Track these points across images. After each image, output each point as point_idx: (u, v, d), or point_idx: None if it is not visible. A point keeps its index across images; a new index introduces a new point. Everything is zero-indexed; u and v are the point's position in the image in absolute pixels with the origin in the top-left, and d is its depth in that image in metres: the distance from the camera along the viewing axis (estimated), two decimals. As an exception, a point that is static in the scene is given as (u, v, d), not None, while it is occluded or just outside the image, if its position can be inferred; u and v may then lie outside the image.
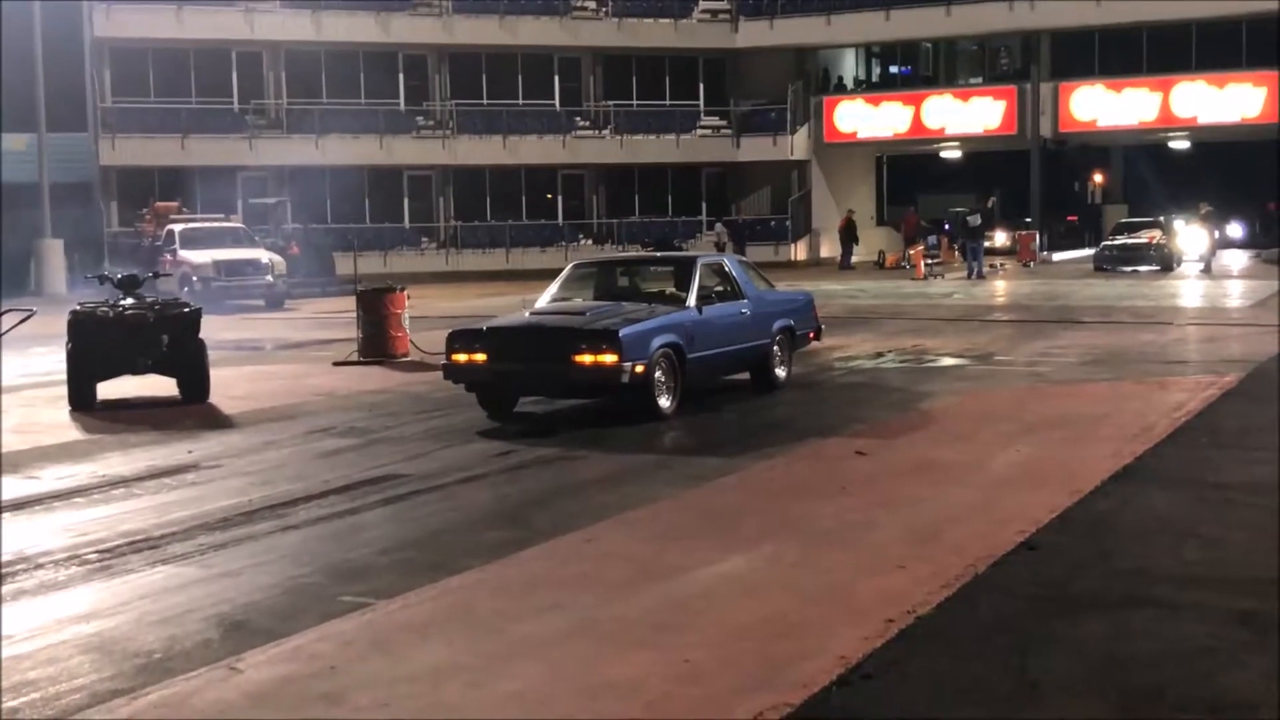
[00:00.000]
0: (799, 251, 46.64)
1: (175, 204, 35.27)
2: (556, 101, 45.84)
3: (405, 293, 18.44)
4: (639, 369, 11.87)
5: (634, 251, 39.62)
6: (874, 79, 49.53)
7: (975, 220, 36.63)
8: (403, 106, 44.14)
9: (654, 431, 11.91)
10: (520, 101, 45.21)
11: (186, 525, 8.58)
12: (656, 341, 12.15)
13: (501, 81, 45.07)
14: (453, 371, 12.67)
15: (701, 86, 47.35)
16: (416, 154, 43.50)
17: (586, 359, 11.89)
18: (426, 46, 43.97)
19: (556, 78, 45.95)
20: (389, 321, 18.08)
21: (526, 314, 13.27)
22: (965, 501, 8.72)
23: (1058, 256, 44.17)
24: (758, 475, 9.89)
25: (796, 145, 46.46)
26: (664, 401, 12.30)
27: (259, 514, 8.90)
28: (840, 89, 48.33)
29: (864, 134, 46.85)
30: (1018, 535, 7.66)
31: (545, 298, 13.74)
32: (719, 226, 43.75)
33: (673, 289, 13.54)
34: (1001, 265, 39.43)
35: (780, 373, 14.22)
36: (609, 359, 11.79)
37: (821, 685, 5.37)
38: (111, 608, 6.79)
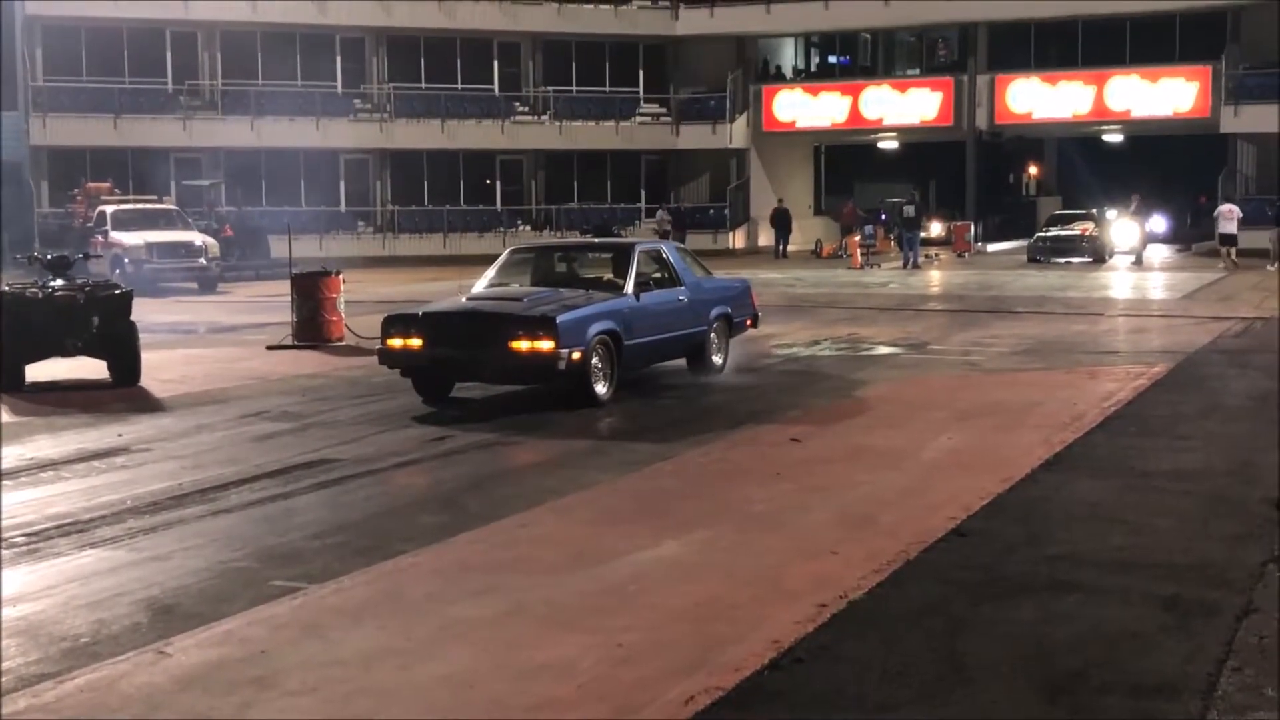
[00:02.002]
0: (737, 240, 46.75)
1: (107, 185, 34.75)
2: (495, 86, 45.61)
3: (341, 277, 18.31)
4: (576, 356, 11.81)
5: (574, 237, 39.57)
6: (813, 69, 49.69)
7: (911, 210, 36.87)
8: (340, 89, 43.74)
9: (590, 418, 11.90)
10: (459, 86, 44.94)
11: (116, 509, 8.49)
12: (594, 328, 12.10)
13: (440, 65, 44.78)
14: (388, 357, 12.57)
15: (641, 73, 47.29)
16: (353, 137, 43.14)
17: (523, 345, 11.82)
18: (364, 29, 43.59)
19: (496, 62, 45.71)
20: (324, 305, 17.94)
21: (463, 299, 13.20)
22: (898, 487, 8.80)
23: (992, 247, 44.57)
24: (692, 461, 9.92)
25: (735, 134, 46.53)
26: (600, 388, 12.26)
27: (190, 498, 8.81)
28: (779, 78, 48.45)
29: (802, 123, 46.99)
30: (949, 521, 7.74)
31: (482, 283, 13.67)
32: (662, 214, 43.76)
33: (611, 276, 13.48)
34: (937, 256, 39.75)
35: (717, 359, 14.22)
36: (546, 346, 11.73)
37: (754, 668, 5.41)
38: (38, 591, 6.71)
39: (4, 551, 7.50)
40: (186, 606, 6.41)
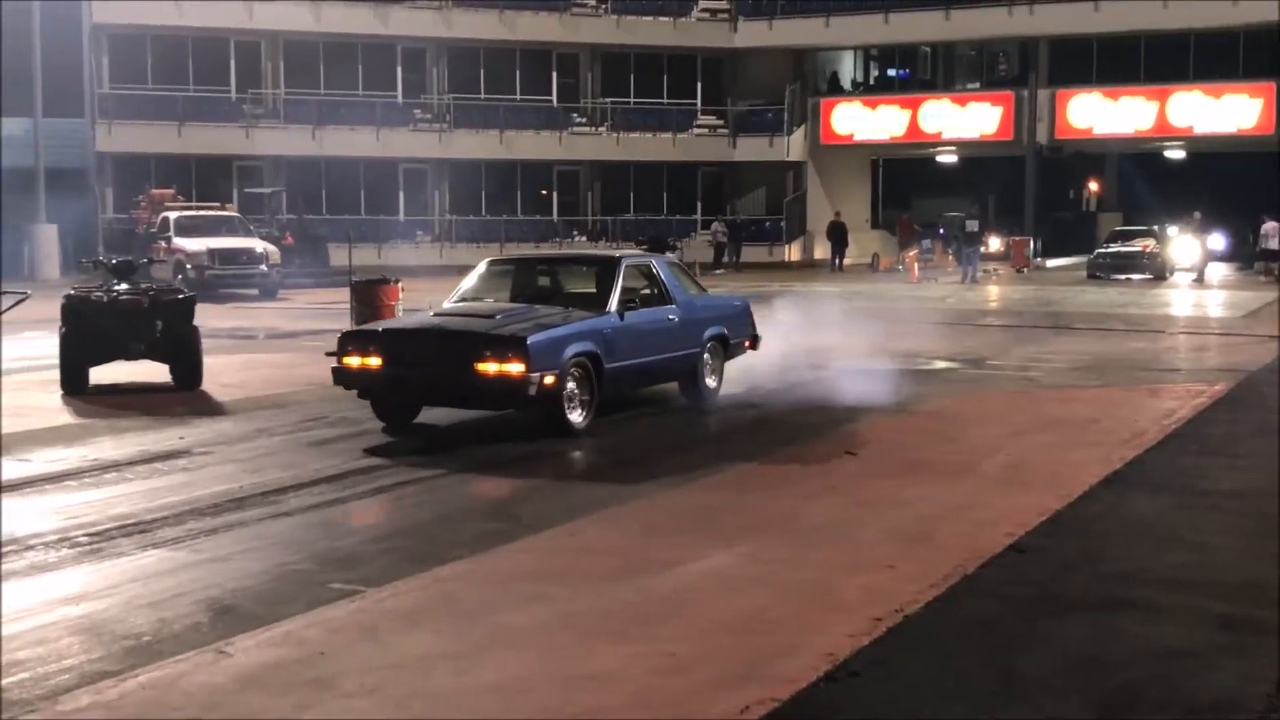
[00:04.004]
0: (793, 252, 46.69)
1: (171, 191, 35.22)
2: (554, 97, 45.83)
3: (399, 285, 18.45)
4: (549, 380, 10.86)
5: (629, 247, 39.64)
6: (871, 82, 49.58)
7: (973, 225, 36.69)
8: (400, 99, 44.11)
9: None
10: (517, 96, 45.18)
11: (177, 510, 8.60)
12: (570, 350, 11.16)
13: (499, 76, 45.05)
14: (344, 377, 11.60)
15: (699, 85, 47.36)
16: (413, 147, 43.47)
17: (490, 367, 10.85)
18: (425, 39, 43.95)
19: (554, 73, 45.93)
20: (382, 313, 18.05)
21: (429, 315, 12.31)
22: (954, 502, 8.76)
23: (1051, 263, 44.25)
24: (744, 473, 9.91)
25: (793, 146, 46.49)
26: (576, 416, 11.30)
27: (249, 500, 8.92)
28: (838, 91, 48.38)
29: (860, 136, 46.89)
30: (1005, 537, 7.70)
31: (454, 297, 12.77)
32: (717, 226, 43.77)
33: (594, 292, 12.46)
34: (995, 271, 39.51)
35: (711, 383, 13.29)
36: (515, 368, 10.76)
37: (808, 681, 5.41)
38: (101, 590, 6.82)
39: (68, 550, 7.63)
40: (246, 607, 6.49)
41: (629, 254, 14.09)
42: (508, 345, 10.86)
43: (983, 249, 38.62)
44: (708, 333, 13.23)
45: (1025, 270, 40.48)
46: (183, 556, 7.49)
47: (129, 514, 8.51)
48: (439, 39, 43.98)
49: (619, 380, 12.00)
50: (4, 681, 5.46)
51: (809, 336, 16.87)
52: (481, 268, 13.24)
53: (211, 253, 29.33)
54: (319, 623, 6.22)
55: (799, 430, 11.74)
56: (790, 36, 46.18)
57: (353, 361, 11.47)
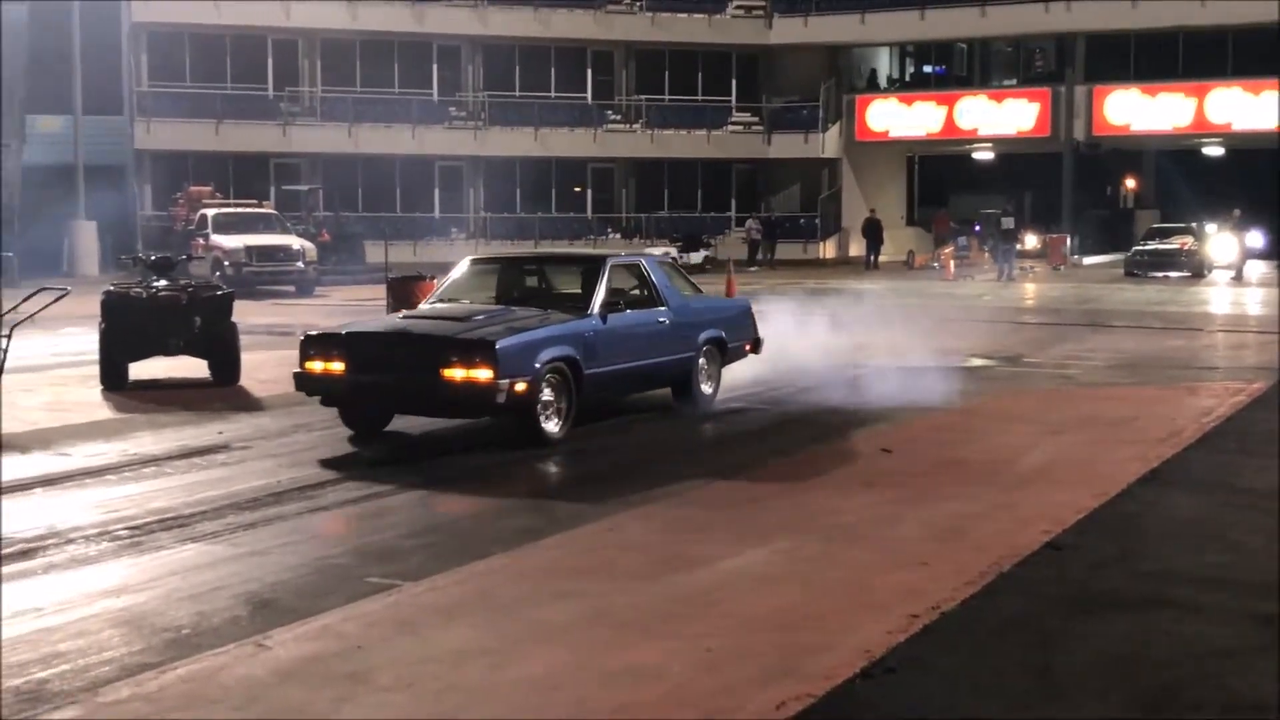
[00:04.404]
0: (828, 250, 46.59)
1: (209, 188, 35.46)
2: (588, 94, 45.89)
3: (434, 281, 18.50)
4: (520, 387, 10.24)
5: (661, 246, 39.66)
6: (907, 78, 49.41)
7: (1009, 222, 36.51)
8: (435, 97, 44.26)
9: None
10: (552, 94, 45.26)
11: (216, 504, 8.67)
12: (545, 355, 10.55)
13: (534, 73, 45.15)
14: (306, 382, 11.01)
15: (734, 82, 47.31)
16: (448, 144, 43.62)
17: (457, 374, 10.25)
18: (460, 37, 44.08)
19: (589, 70, 46.00)
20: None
21: (398, 317, 11.85)
22: (990, 500, 8.73)
23: (1088, 260, 43.98)
24: (780, 470, 9.91)
25: (828, 143, 46.39)
26: (551, 425, 10.68)
27: (288, 495, 8.98)
28: (873, 87, 48.24)
29: (896, 133, 46.74)
30: (1042, 535, 7.68)
31: (433, 297, 12.39)
32: (752, 223, 43.72)
33: (578, 293, 11.89)
34: (1032, 268, 39.31)
35: (707, 389, 12.74)
36: (483, 375, 10.16)
37: (844, 677, 5.40)
38: (141, 583, 6.88)
39: (108, 543, 7.70)
40: (284, 601, 6.54)
41: (616, 254, 13.36)
42: (475, 350, 10.26)
43: (1019, 246, 38.44)
44: (703, 336, 12.65)
45: (1062, 268, 40.26)
46: (221, 550, 7.55)
47: (168, 508, 8.58)
48: (474, 37, 44.10)
49: (602, 386, 11.42)
50: (46, 673, 5.52)
51: (843, 334, 16.85)
52: (464, 266, 12.71)
53: (249, 249, 29.50)
54: (356, 617, 6.26)
55: (833, 428, 11.71)
56: (825, 33, 46.08)
57: (315, 366, 10.89)
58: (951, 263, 37.33)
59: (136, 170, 41.12)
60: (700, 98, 46.68)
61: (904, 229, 48.16)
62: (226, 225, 30.50)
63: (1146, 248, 37.31)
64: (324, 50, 43.22)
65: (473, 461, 10.27)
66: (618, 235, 45.28)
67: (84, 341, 15.95)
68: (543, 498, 9.15)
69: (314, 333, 11.30)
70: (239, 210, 32.31)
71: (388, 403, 11.14)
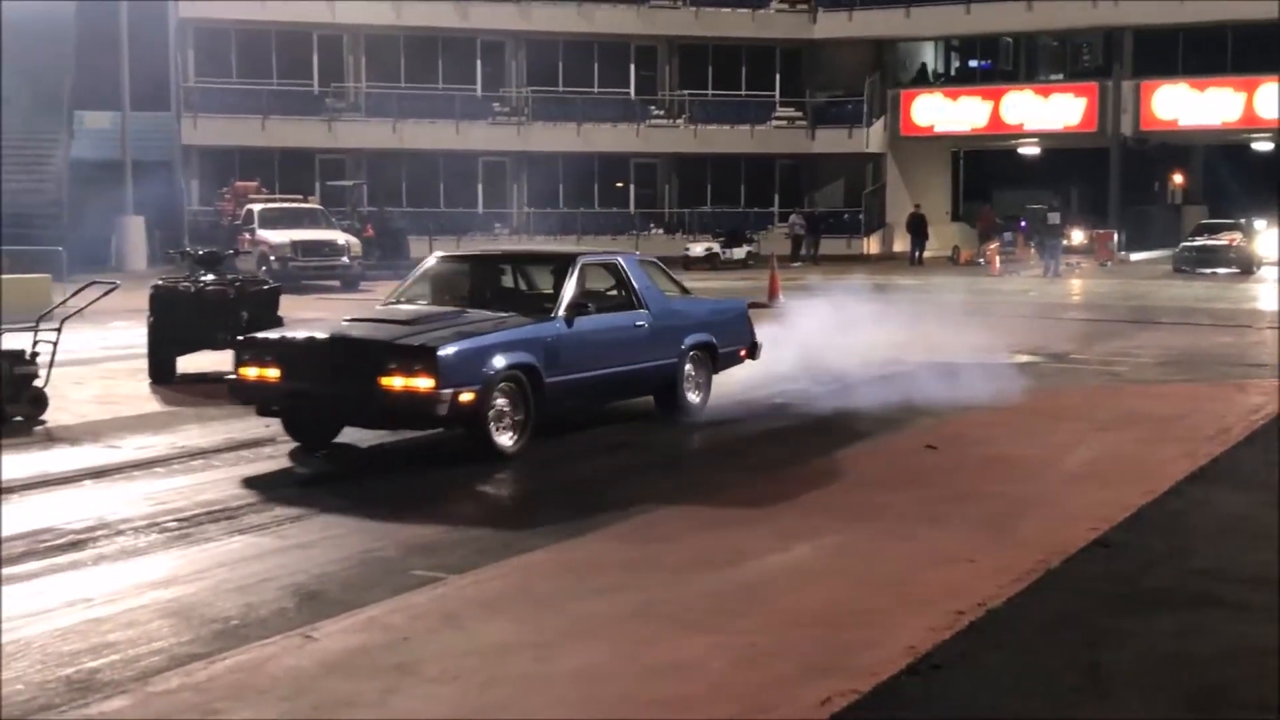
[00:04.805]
0: (872, 245, 46.40)
1: (255, 184, 35.69)
2: (631, 90, 45.89)
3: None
4: (466, 397, 9.46)
5: (704, 242, 39.63)
6: (952, 73, 49.13)
7: (1055, 218, 36.25)
8: (479, 92, 44.38)
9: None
10: (595, 89, 45.30)
11: (263, 497, 8.74)
12: (498, 361, 9.73)
13: (577, 69, 45.18)
14: (240, 390, 10.28)
15: (778, 77, 47.18)
16: (491, 140, 43.73)
17: (396, 382, 9.45)
18: (504, 33, 44.17)
19: (633, 66, 46.00)
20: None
21: (342, 320, 10.93)
22: (1036, 497, 8.69)
23: (1135, 256, 43.61)
24: (824, 466, 9.88)
25: (872, 138, 46.21)
26: (505, 439, 9.83)
27: (333, 487, 9.03)
28: (918, 82, 47.99)
29: (941, 128, 46.49)
30: (1090, 532, 7.62)
31: (392, 296, 11.68)
32: (795, 218, 43.59)
33: (546, 294, 11.18)
34: (1078, 264, 39.02)
35: (694, 398, 11.91)
36: (423, 384, 9.37)
37: (890, 673, 5.39)
38: (190, 575, 6.95)
39: (157, 535, 7.78)
40: (331, 593, 6.59)
41: (591, 253, 12.37)
42: (415, 357, 9.47)
43: (1065, 242, 38.15)
44: (689, 341, 11.83)
45: (1109, 264, 39.93)
46: (269, 542, 7.61)
47: (216, 500, 8.66)
48: (518, 32, 44.18)
49: (566, 396, 10.57)
50: (97, 663, 5.58)
51: (887, 330, 16.75)
52: (429, 263, 11.96)
53: (294, 244, 29.65)
54: (402, 609, 6.30)
55: (877, 424, 11.66)
56: (870, 27, 45.89)
57: (250, 373, 10.08)
58: (997, 258, 37.10)
59: (184, 165, 41.44)
60: (744, 93, 46.58)
61: (949, 224, 47.88)
62: (272, 220, 30.66)
63: (1194, 244, 36.95)
64: (368, 46, 43.42)
65: (515, 451, 10.24)
66: (660, 231, 45.26)
67: (133, 335, 16.09)
68: (583, 489, 9.14)
69: (250, 336, 10.58)
70: (285, 205, 32.47)
71: (323, 413, 10.26)
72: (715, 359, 12.26)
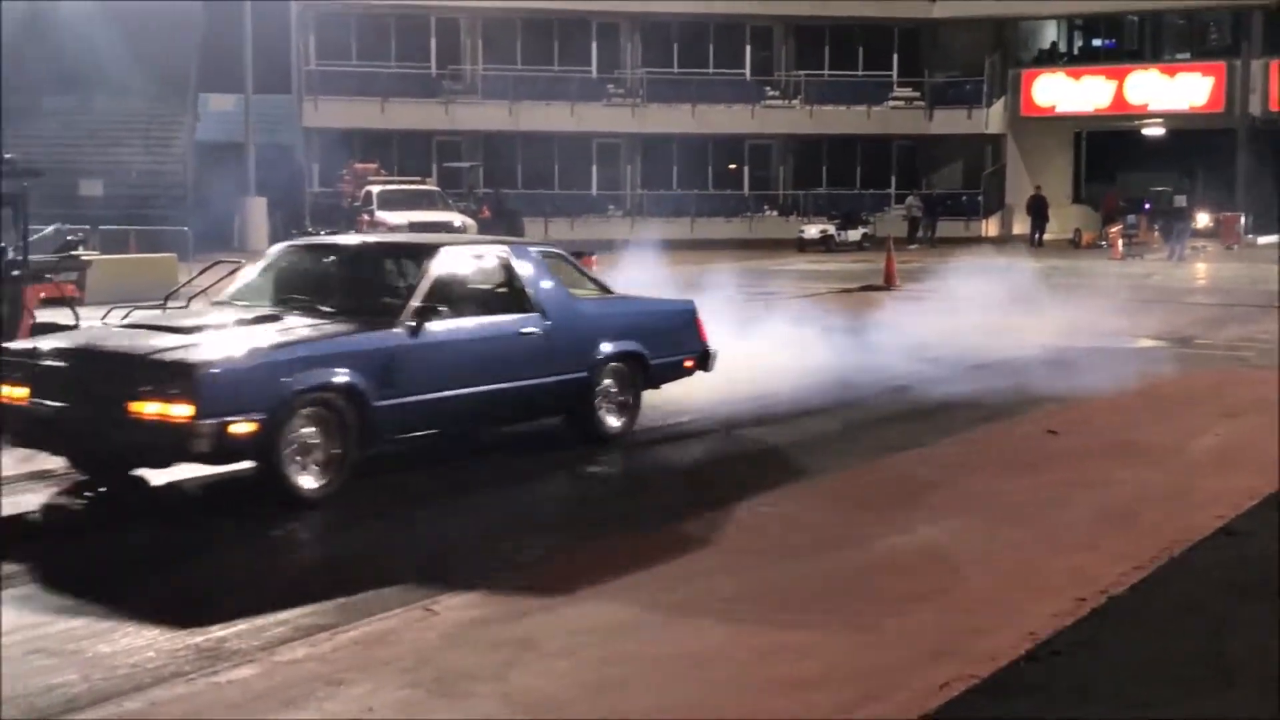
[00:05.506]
0: (990, 227, 45.75)
1: (373, 165, 36.21)
2: (747, 71, 45.71)
3: (594, 257, 18.64)
4: (241, 429, 7.41)
5: (819, 224, 39.36)
6: (1075, 52, 48.19)
7: (1181, 200, 35.43)
8: (595, 74, 44.51)
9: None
10: (710, 70, 45.19)
11: (385, 472, 8.87)
12: (299, 381, 7.68)
13: (692, 50, 45.09)
14: None
15: (895, 57, 46.67)
16: (606, 121, 43.83)
17: (149, 408, 7.37)
18: (620, 14, 44.22)
19: (748, 47, 45.80)
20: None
21: (118, 322, 9.06)
22: (1160, 483, 8.53)
23: (1263, 240, 42.43)
24: (947, 450, 9.79)
25: (992, 119, 45.52)
26: (308, 480, 7.76)
27: (450, 463, 9.14)
28: (1039, 62, 47.14)
29: (1062, 108, 45.63)
30: (1215, 519, 7.47)
31: (222, 295, 9.61)
32: (912, 200, 43.11)
33: (395, 293, 8.94)
34: (1203, 247, 38.10)
35: (612, 420, 9.76)
36: (179, 411, 7.30)
37: (1009, 659, 5.33)
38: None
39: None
40: (452, 567, 6.68)
41: (458, 241, 10.45)
42: (171, 375, 7.42)
43: (1191, 225, 37.27)
44: (605, 350, 9.67)
45: (1235, 247, 38.91)
46: (383, 524, 7.77)
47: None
48: (633, 14, 44.20)
49: (407, 422, 8.44)
50: (225, 632, 5.73)
51: (1009, 314, 16.51)
52: (273, 253, 9.89)
53: (413, 225, 30.01)
54: (522, 584, 6.37)
55: (998, 409, 11.47)
56: (991, 6, 45.15)
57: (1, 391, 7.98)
58: (1120, 241, 36.35)
59: (304, 147, 42.14)
60: (860, 73, 46.16)
61: (1070, 207, 46.97)
62: (391, 202, 31.09)
63: (1326, 227, 35.89)
64: (485, 29, 43.75)
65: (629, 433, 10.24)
66: (775, 213, 45.07)
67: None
68: (700, 471, 9.13)
69: (5, 346, 8.56)
70: (403, 187, 32.92)
71: (70, 445, 8.09)
72: (646, 372, 10.03)
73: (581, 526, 7.66)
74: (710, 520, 7.68)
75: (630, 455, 9.66)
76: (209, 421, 7.29)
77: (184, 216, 30.97)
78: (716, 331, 11.11)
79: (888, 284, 23.45)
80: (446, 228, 30.29)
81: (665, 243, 21.98)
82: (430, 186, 34.07)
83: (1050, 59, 47.28)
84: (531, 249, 9.95)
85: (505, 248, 9.67)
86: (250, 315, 8.47)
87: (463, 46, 43.78)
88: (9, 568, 6.55)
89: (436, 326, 8.53)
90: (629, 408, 9.93)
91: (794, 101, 45.39)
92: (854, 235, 38.84)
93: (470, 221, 31.23)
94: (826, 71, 45.81)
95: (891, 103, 46.02)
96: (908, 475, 8.90)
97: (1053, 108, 45.66)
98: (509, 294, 9.39)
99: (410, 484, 8.60)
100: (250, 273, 9.71)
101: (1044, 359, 14.08)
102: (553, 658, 5.41)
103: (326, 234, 15.58)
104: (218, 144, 37.52)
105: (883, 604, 6.08)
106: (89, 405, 7.64)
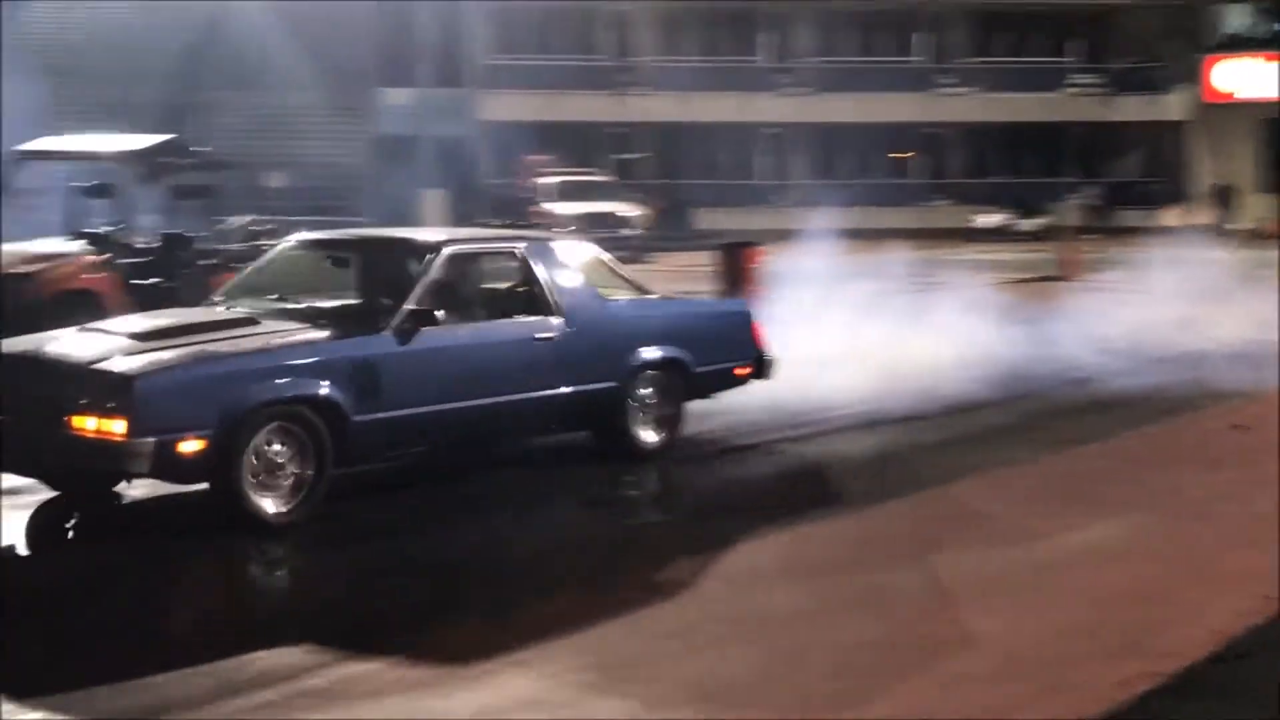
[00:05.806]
0: (1172, 217, 44.35)
1: (546, 157, 36.69)
2: (919, 59, 45.09)
3: (761, 249, 18.58)
4: (188, 447, 6.68)
5: (993, 214, 38.70)
6: (1265, 36, 46.44)
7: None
8: (764, 64, 44.38)
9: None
10: (881, 59, 44.68)
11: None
12: (258, 394, 6.91)
13: (863, 39, 44.65)
14: None
15: (1073, 44, 45.54)
16: (775, 111, 43.66)
17: (88, 424, 6.68)
18: (790, 4, 44.01)
19: (921, 35, 45.18)
20: (742, 277, 18.22)
21: (82, 327, 7.86)
22: (1356, 481, 8.19)
23: None
24: (1125, 443, 9.52)
25: (1174, 106, 44.16)
26: (268, 503, 6.92)
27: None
28: (1225, 46, 45.56)
29: (1249, 94, 44.06)
30: None
31: (219, 292, 8.77)
32: (1089, 189, 42.03)
33: (390, 294, 7.93)
34: (1401, 238, 36.43)
35: (646, 435, 8.77)
36: (115, 427, 6.60)
37: (1194, 658, 5.18)
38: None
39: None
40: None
41: (472, 239, 9.02)
42: (109, 389, 6.69)
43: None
44: (641, 356, 8.71)
45: None
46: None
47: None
48: (803, 4, 43.95)
49: (396, 438, 7.67)
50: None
51: (1193, 305, 15.95)
52: (281, 248, 9.11)
53: (584, 216, 30.37)
54: (685, 570, 6.42)
55: (1182, 403, 11.13)
56: (1174, -11, 43.82)
57: None
58: (1308, 231, 34.96)
59: (480, 140, 42.84)
60: (1036, 59, 45.15)
61: (1257, 196, 45.35)
62: (563, 193, 31.50)
63: None
64: (656, 20, 43.94)
65: (797, 427, 10.18)
66: (946, 202, 44.40)
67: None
68: (872, 461, 9.06)
69: None
70: (575, 179, 33.32)
71: (15, 462, 7.25)
72: (688, 381, 9.01)
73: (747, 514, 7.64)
74: (884, 511, 7.62)
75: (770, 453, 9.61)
76: (144, 440, 6.54)
77: (362, 207, 31.78)
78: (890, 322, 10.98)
79: (1065, 275, 22.92)
80: (615, 218, 30.59)
81: (835, 232, 21.84)
82: (602, 177, 34.42)
83: (1236, 44, 45.65)
84: (554, 245, 8.98)
85: (523, 244, 8.69)
86: (225, 318, 7.76)
87: (634, 38, 44.04)
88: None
89: (433, 332, 7.63)
90: (669, 424, 8.88)
91: (967, 89, 44.61)
92: (1029, 225, 38.09)
93: (639, 212, 31.47)
94: (1001, 58, 44.90)
95: (1068, 89, 44.94)
96: (1083, 469, 8.73)
97: (1231, 94, 44.14)
98: (526, 295, 8.48)
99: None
100: (255, 266, 9.00)
101: (1231, 353, 13.60)
102: (719, 644, 5.43)
103: (503, 225, 15.74)
104: (396, 137, 38.41)
105: (1061, 598, 5.97)
106: (29, 421, 6.87)
